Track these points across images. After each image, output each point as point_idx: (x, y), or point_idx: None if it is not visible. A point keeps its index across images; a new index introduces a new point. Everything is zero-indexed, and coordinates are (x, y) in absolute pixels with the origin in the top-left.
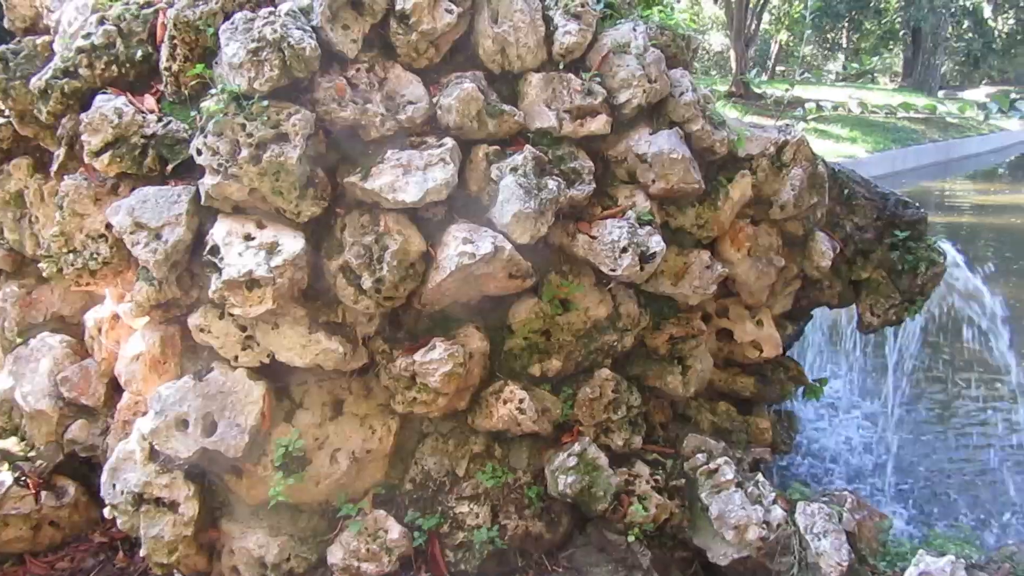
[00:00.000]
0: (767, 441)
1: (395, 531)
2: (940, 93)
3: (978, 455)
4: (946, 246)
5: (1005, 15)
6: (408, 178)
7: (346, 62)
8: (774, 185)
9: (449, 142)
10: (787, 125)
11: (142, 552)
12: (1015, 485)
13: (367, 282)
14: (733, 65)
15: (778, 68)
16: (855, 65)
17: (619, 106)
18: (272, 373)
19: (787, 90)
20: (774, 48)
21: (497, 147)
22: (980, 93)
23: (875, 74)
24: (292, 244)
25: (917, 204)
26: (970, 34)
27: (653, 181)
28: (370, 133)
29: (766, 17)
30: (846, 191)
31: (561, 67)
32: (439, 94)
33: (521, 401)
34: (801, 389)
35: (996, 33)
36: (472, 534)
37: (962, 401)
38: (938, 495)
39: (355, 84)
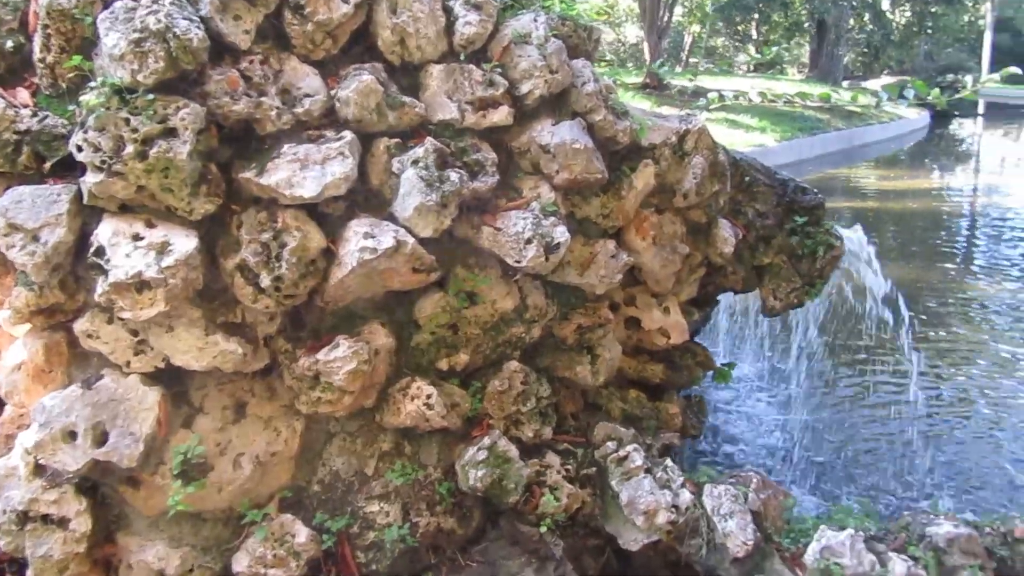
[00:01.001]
0: (677, 426)
1: (303, 535)
2: (845, 83)
3: (879, 431)
4: (846, 232)
5: (902, 7)
6: (306, 173)
7: (239, 54)
8: (677, 174)
9: (348, 135)
10: (688, 114)
11: (29, 573)
12: (910, 460)
13: (266, 280)
14: (647, 57)
15: (692, 60)
16: (757, 55)
17: (521, 97)
18: (168, 378)
19: (690, 79)
20: (688, 40)
21: (398, 140)
22: (881, 83)
23: (784, 65)
24: (184, 243)
25: (815, 190)
26: (870, 26)
27: (557, 172)
28: (265, 127)
29: (679, 9)
30: (747, 178)
31: (462, 58)
32: (337, 86)
33: (429, 397)
34: (711, 374)
35: (894, 25)
36: (383, 533)
37: (865, 379)
38: (842, 471)
39: (249, 77)
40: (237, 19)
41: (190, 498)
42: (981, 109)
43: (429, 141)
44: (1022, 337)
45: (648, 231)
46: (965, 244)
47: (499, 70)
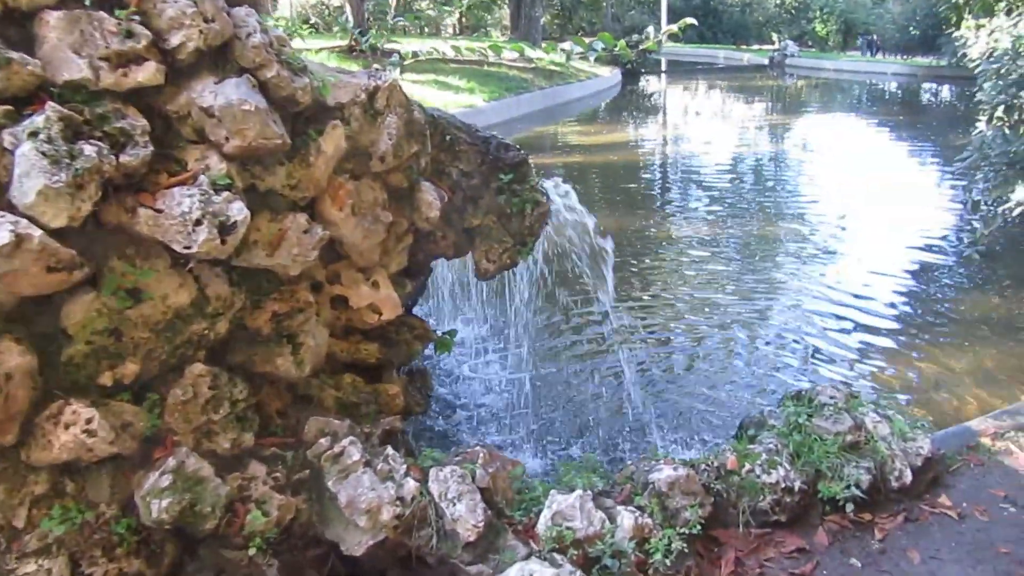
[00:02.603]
0: (399, 407)
1: None
2: (543, 43)
3: (601, 383)
4: (549, 185)
5: None
6: None
7: None
8: (370, 135)
9: None
10: (377, 70)
11: None
12: (630, 410)
13: None
14: (350, 19)
15: (397, 23)
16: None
17: (172, 51)
18: None
19: (388, 41)
20: (393, 2)
21: (9, 107)
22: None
23: (488, 28)
24: None
25: (517, 146)
26: None
27: (227, 139)
28: None
29: None
30: (448, 137)
31: (88, 3)
32: None
33: (89, 421)
34: (432, 345)
35: None
36: None
37: (584, 333)
38: (571, 428)
39: None
40: None
41: None
42: (664, 67)
43: (51, 107)
44: (709, 278)
45: (345, 200)
46: (660, 190)
47: (137, 18)
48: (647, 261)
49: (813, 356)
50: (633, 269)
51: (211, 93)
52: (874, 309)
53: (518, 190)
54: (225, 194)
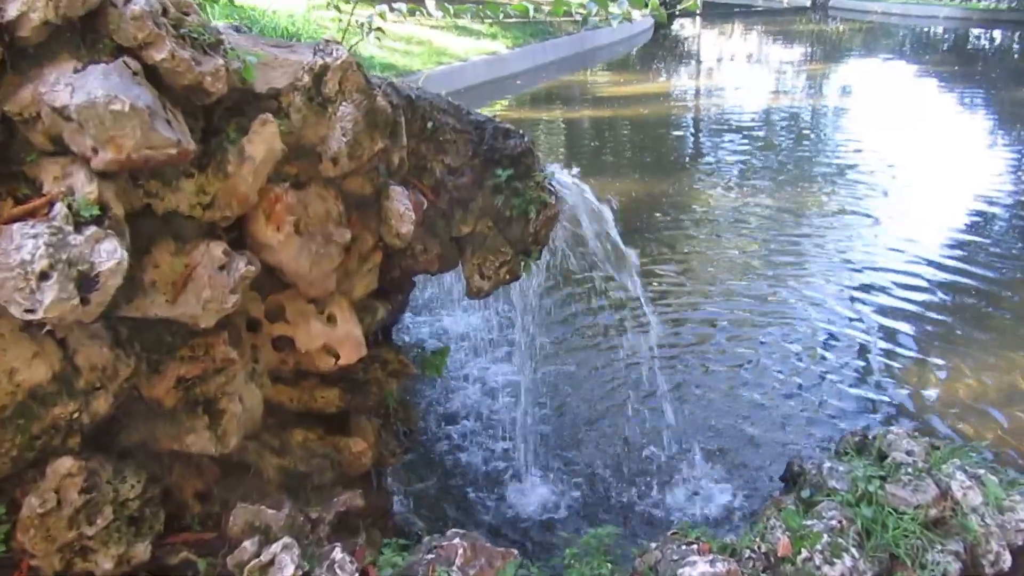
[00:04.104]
0: (366, 464)
1: None
2: None
3: (616, 384)
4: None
5: None
6: None
7: None
8: (318, 130)
9: None
10: (327, 43)
11: None
12: (652, 415)
13: None
14: None
15: None
16: None
17: (9, 26)
18: None
19: None
20: None
21: None
22: None
23: None
24: None
25: (520, 132)
26: None
27: (95, 149)
28: None
29: None
30: (430, 124)
31: None
32: None
33: None
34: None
35: None
36: None
37: (601, 340)
38: (578, 443)
39: None
40: None
41: None
42: (699, 9)
43: None
44: (743, 261)
45: (284, 216)
46: (691, 149)
47: None
48: (676, 235)
49: (863, 360)
50: (664, 251)
51: (67, 86)
52: (931, 301)
53: (519, 188)
54: (91, 230)
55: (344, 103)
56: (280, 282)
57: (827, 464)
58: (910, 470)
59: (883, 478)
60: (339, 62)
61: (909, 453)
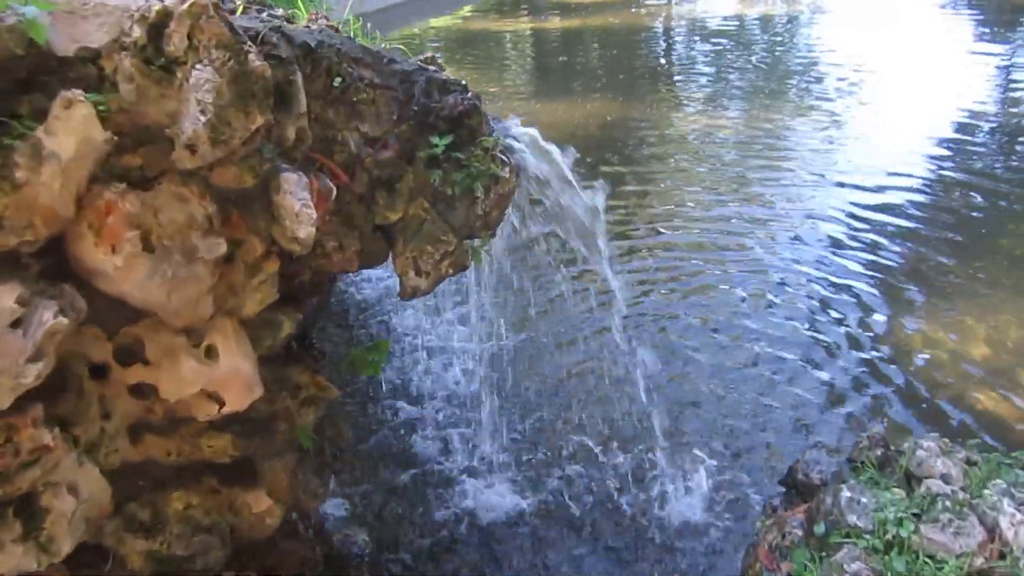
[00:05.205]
0: (271, 526)
1: None
2: None
3: (585, 358)
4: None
5: None
6: None
7: None
8: (164, 105)
9: None
10: None
11: None
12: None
13: None
14: None
15: None
16: None
17: None
18: None
19: None
20: None
21: None
22: None
23: None
24: None
25: (462, 84)
26: None
27: None
28: None
29: None
30: (338, 79)
31: None
32: None
33: None
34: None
35: None
36: None
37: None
38: (549, 425)
39: None
40: None
41: None
42: None
43: None
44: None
45: (122, 231)
46: (663, 62)
47: None
48: (650, 169)
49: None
50: (638, 189)
51: None
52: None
53: (462, 160)
54: None
55: (199, 65)
56: (134, 310)
57: (846, 494)
58: (948, 503)
59: (916, 517)
60: (187, 4)
61: (945, 479)
